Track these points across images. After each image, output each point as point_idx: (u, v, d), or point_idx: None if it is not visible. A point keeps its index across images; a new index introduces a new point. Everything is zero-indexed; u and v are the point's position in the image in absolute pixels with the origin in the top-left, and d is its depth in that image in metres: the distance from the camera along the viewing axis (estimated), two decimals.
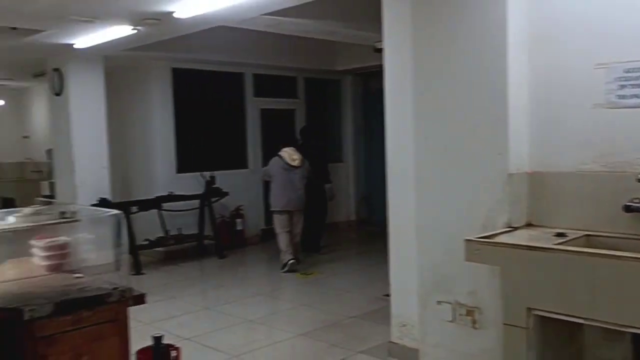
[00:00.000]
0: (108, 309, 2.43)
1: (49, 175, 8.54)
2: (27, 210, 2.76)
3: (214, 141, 8.47)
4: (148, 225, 7.41)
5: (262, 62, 8.47)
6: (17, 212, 2.77)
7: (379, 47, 5.33)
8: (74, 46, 6.32)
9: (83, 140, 7.06)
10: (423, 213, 3.74)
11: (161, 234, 7.59)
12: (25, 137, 10.74)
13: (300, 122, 9.46)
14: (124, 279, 2.59)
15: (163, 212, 7.51)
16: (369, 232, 9.63)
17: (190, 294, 6.26)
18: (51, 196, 7.69)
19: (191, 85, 8.22)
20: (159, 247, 7.59)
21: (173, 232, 7.70)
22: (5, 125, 10.76)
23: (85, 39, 6.05)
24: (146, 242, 7.40)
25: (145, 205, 7.24)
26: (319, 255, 7.89)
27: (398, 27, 3.92)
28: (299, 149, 7.47)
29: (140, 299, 2.55)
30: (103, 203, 6.57)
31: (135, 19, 5.23)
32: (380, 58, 4.22)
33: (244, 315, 5.39)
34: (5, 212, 2.77)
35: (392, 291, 4.25)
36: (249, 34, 6.65)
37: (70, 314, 2.33)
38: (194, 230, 7.94)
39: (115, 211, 2.70)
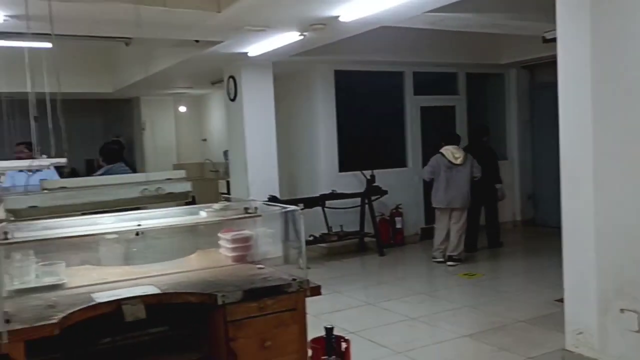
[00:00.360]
0: (288, 298, 2.61)
1: (225, 174, 9.29)
2: (216, 206, 3.05)
3: (374, 140, 8.61)
4: (312, 222, 7.74)
5: (421, 60, 8.42)
6: (207, 207, 3.06)
7: (550, 37, 5.05)
8: (248, 54, 6.81)
9: (255, 141, 7.57)
10: (604, 213, 3.48)
11: (324, 231, 7.88)
12: (204, 139, 11.80)
13: (460, 118, 9.27)
14: (301, 272, 2.75)
15: (326, 209, 7.80)
16: (535, 233, 9.16)
17: (353, 289, 6.42)
18: (227, 194, 8.37)
19: (352, 86, 8.43)
20: (322, 243, 7.90)
21: (335, 229, 7.95)
22: (187, 130, 11.92)
23: (257, 47, 6.49)
24: (311, 238, 7.73)
25: (310, 202, 7.57)
26: (501, 248, 7.98)
27: (573, 14, 3.68)
28: (469, 147, 7.45)
29: (316, 291, 2.70)
30: (273, 200, 6.99)
31: (302, 26, 5.50)
32: (550, 48, 3.99)
33: (406, 312, 5.42)
34: (198, 207, 3.08)
35: (566, 296, 4.00)
36: (409, 32, 6.65)
37: (256, 301, 2.54)
38: (354, 228, 8.14)
39: (293, 207, 2.89)
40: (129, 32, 5.59)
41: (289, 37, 5.97)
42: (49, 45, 6.57)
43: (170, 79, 8.94)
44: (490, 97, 9.75)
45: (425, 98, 8.99)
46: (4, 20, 4.70)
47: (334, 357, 3.36)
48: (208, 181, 10.15)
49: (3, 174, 6.12)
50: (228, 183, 8.51)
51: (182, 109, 11.85)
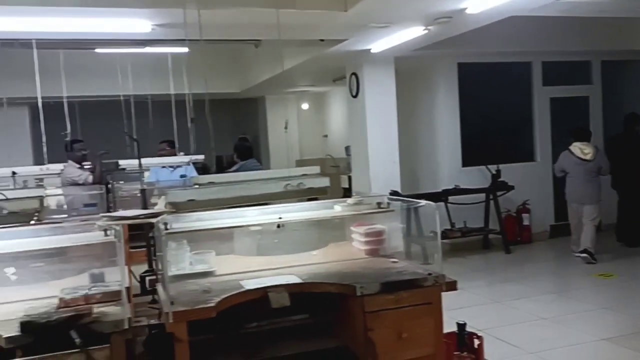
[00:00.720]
0: (424, 292, 2.65)
1: (346, 169, 9.47)
2: (350, 200, 3.15)
3: (500, 134, 8.35)
4: (434, 217, 7.65)
5: (551, 49, 8.03)
6: (341, 202, 3.18)
7: None
8: (371, 51, 6.89)
9: (376, 137, 7.64)
10: None
11: (447, 227, 7.79)
12: (325, 136, 12.09)
13: (595, 109, 8.75)
14: (436, 266, 2.78)
15: (449, 205, 7.69)
16: None
17: (478, 287, 6.30)
18: (349, 189, 8.52)
19: (476, 78, 8.22)
20: (445, 240, 7.81)
21: (458, 225, 7.83)
22: (309, 126, 12.27)
23: (380, 44, 6.55)
24: (432, 234, 7.65)
25: (432, 198, 7.44)
26: None
27: None
28: (621, 137, 7.38)
29: (452, 286, 2.72)
30: (394, 195, 7.02)
31: (427, 20, 5.47)
32: None
33: (536, 312, 5.24)
34: (332, 202, 3.20)
35: None
36: (537, 20, 6.39)
37: (392, 293, 2.61)
38: (478, 224, 7.96)
39: (428, 202, 2.93)
40: (263, 34, 5.89)
41: (412, 32, 5.96)
42: (185, 50, 7.11)
43: (295, 77, 9.25)
44: (629, 85, 9.07)
45: (555, 89, 8.57)
46: (152, 29, 5.13)
47: (465, 352, 3.35)
48: (329, 176, 10.39)
49: (148, 170, 6.71)
50: (349, 178, 8.66)
51: (305, 106, 12.21)
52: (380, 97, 7.62)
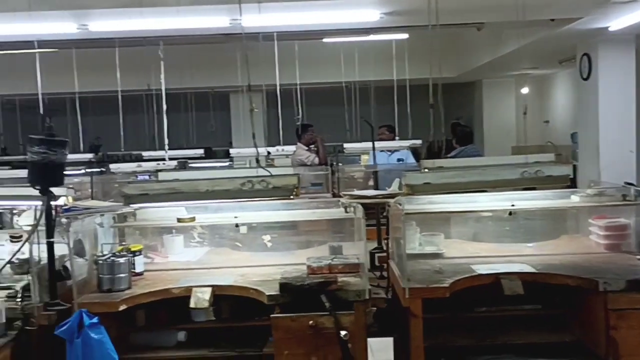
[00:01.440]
0: None
1: (572, 157, 8.80)
2: (589, 190, 2.97)
3: None
4: None
5: None
6: (579, 192, 3.01)
7: None
8: (609, 29, 6.28)
9: (610, 123, 6.95)
10: None
11: None
12: (546, 121, 11.35)
13: None
14: None
15: None
16: None
17: None
18: (574, 179, 7.91)
19: None
20: None
21: None
22: (528, 111, 11.59)
23: (621, 21, 5.93)
24: None
25: None
26: None
27: None
28: None
29: None
30: None
31: None
32: None
33: None
34: (570, 191, 3.04)
35: None
36: None
37: None
38: None
39: None
40: (491, 17, 5.77)
41: None
42: (406, 36, 7.24)
43: (517, 60, 8.80)
44: None
45: None
46: (380, 17, 5.32)
47: None
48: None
49: (367, 153, 7.02)
50: (574, 167, 8.04)
51: (524, 90, 11.58)
52: (617, 80, 6.90)
